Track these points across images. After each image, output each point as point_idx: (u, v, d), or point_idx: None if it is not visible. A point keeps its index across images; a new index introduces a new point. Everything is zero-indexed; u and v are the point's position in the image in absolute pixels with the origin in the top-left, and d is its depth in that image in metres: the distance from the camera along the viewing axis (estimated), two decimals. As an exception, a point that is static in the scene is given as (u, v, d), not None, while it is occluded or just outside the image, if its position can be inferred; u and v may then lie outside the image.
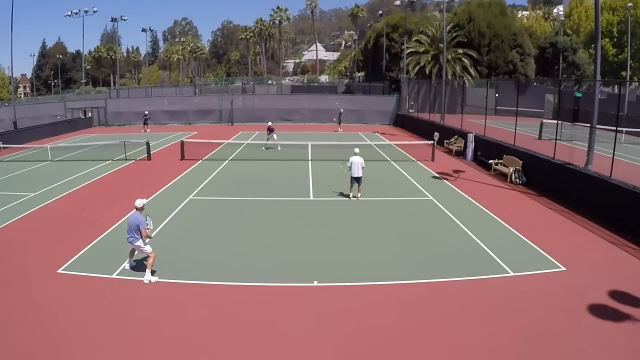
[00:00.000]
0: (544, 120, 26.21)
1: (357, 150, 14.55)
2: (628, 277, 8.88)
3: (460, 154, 23.30)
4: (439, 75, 39.04)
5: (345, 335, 7.01)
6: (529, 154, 17.11)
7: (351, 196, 14.71)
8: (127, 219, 9.32)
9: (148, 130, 35.72)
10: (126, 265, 9.44)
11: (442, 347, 6.73)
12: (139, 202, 9.13)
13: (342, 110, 36.10)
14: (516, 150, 17.91)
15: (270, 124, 26.03)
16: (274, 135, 25.24)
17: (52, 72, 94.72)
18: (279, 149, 24.60)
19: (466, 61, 43.72)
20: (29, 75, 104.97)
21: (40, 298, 8.22)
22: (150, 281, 8.84)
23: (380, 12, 60.15)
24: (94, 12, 51.76)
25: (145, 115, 36.47)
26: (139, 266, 9.40)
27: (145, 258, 9.14)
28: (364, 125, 39.17)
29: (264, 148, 24.91)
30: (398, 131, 35.66)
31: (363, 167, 14.22)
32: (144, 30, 73.47)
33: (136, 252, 9.33)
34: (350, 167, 14.22)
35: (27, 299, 8.19)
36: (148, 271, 8.94)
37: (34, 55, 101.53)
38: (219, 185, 17.00)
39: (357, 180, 14.28)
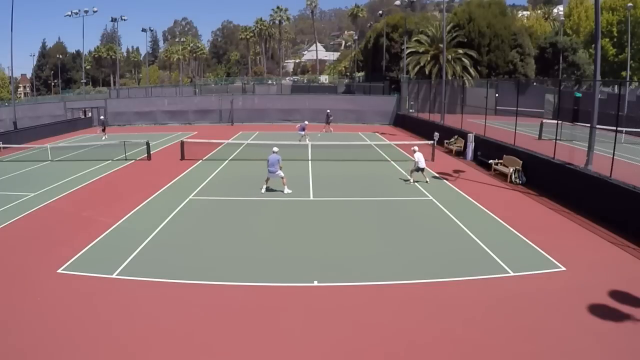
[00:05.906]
0: (544, 120, 26.16)
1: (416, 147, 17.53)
2: (628, 277, 8.87)
3: (460, 154, 23.30)
4: (439, 75, 39.02)
5: (345, 336, 7.01)
6: (529, 154, 17.10)
7: (411, 181, 17.09)
8: (270, 158, 15.01)
9: (105, 135, 31.55)
10: (263, 189, 15.22)
11: (442, 346, 6.73)
12: (276, 149, 15.31)
13: (328, 110, 35.40)
14: (516, 150, 17.90)
15: (306, 122, 28.09)
16: (307, 138, 26.47)
17: (52, 72, 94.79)
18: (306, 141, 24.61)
19: (466, 61, 43.70)
20: (29, 75, 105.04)
21: (40, 298, 8.23)
22: (289, 192, 15.02)
23: (380, 12, 60.19)
24: (94, 12, 51.91)
25: (101, 118, 35.82)
26: (144, 265, 9.43)
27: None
28: (364, 125, 39.19)
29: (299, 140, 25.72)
30: (398, 131, 35.64)
31: (426, 160, 17.27)
32: (144, 30, 73.76)
33: (269, 181, 15.30)
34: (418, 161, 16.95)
35: (27, 299, 8.19)
36: (285, 187, 15.23)
37: (34, 55, 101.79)
38: (219, 185, 16.99)
39: (422, 170, 16.90)
